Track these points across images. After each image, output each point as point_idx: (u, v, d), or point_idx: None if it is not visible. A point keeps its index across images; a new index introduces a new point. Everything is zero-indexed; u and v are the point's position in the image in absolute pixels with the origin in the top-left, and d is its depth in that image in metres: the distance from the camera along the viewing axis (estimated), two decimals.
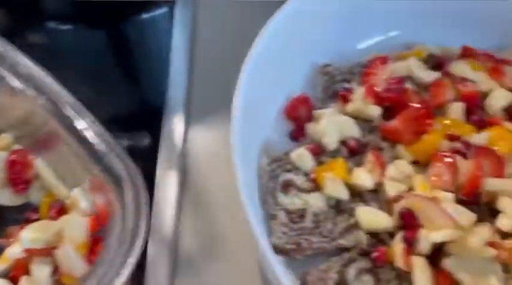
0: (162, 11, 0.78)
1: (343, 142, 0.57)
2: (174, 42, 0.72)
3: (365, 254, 0.49)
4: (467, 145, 0.52)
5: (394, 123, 0.56)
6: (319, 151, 0.55)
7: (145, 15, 0.79)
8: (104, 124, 0.55)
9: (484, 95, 0.60)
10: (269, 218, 0.51)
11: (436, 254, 0.47)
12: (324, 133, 0.56)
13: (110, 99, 0.68)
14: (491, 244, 0.47)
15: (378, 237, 0.50)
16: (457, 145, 0.53)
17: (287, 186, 0.53)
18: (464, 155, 0.52)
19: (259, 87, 0.57)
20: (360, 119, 0.59)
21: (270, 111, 0.60)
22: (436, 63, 0.63)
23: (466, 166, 0.51)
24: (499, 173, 0.51)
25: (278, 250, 0.49)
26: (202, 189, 0.57)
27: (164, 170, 0.59)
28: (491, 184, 0.50)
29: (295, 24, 0.59)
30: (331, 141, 0.56)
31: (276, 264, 0.42)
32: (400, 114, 0.56)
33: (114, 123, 0.68)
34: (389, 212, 0.51)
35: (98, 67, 0.72)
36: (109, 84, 0.70)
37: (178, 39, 0.72)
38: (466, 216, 0.47)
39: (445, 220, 0.46)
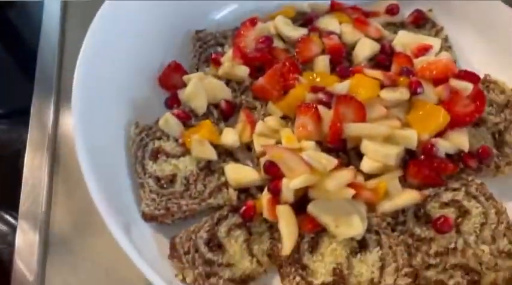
0: None
1: (216, 105, 0.57)
2: (43, 29, 0.69)
3: (236, 210, 0.49)
4: (330, 94, 0.53)
5: (261, 81, 0.56)
6: (188, 116, 0.55)
7: None
8: None
9: (352, 46, 0.61)
10: (139, 187, 0.51)
11: (303, 202, 0.48)
12: (191, 97, 0.55)
13: None
14: (353, 186, 0.48)
15: (249, 193, 0.51)
16: (321, 96, 0.53)
17: (157, 153, 0.53)
18: (328, 105, 0.53)
19: (120, 58, 0.56)
20: (233, 81, 0.59)
21: (143, 82, 0.59)
22: (305, 20, 0.64)
23: (328, 115, 0.52)
24: (360, 119, 0.52)
25: (148, 217, 0.49)
26: (73, 168, 0.55)
27: (34, 153, 0.57)
28: (352, 129, 0.51)
29: None
30: (199, 105, 0.55)
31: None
32: (266, 72, 0.56)
33: None
34: (260, 167, 0.51)
35: None
36: None
37: (47, 25, 0.69)
38: (324, 161, 0.48)
39: (302, 167, 0.47)
